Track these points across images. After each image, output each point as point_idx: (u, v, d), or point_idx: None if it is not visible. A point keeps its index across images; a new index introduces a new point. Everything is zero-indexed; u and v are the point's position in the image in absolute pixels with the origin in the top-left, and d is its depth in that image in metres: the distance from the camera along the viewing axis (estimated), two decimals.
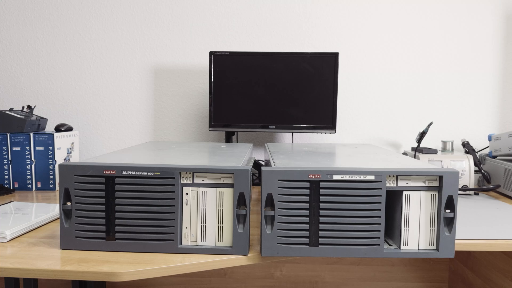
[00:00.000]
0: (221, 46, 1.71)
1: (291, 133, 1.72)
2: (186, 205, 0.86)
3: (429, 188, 0.85)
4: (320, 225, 0.84)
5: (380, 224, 0.84)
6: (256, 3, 1.69)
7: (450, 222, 0.84)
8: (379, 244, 0.84)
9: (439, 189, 0.85)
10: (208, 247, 0.85)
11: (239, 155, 1.06)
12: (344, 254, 0.84)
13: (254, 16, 1.69)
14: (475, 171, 1.47)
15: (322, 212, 0.83)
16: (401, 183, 0.85)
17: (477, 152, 1.56)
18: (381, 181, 0.83)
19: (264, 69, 1.54)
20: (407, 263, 1.71)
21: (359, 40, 1.70)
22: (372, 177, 0.83)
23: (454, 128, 1.72)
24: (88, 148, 1.76)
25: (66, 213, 0.86)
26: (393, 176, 0.85)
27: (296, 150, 1.19)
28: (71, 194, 0.85)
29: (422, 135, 1.50)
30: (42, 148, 1.42)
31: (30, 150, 1.42)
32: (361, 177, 0.83)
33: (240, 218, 0.85)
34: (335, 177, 0.83)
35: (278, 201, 0.83)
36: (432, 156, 1.42)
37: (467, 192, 1.41)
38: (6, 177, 1.42)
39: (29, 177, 1.42)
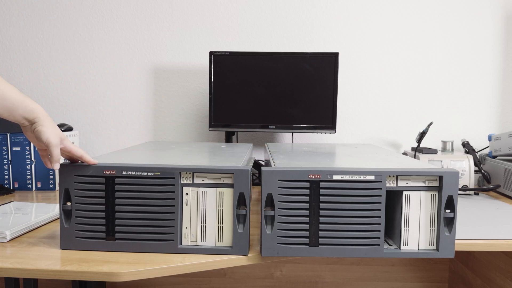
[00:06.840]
0: (221, 46, 1.71)
1: (291, 133, 1.72)
2: (186, 205, 0.86)
3: (429, 188, 0.85)
4: (320, 225, 0.84)
5: (380, 224, 0.84)
6: (256, 3, 1.69)
7: (450, 222, 0.84)
8: (379, 244, 0.84)
9: (439, 189, 0.85)
10: (208, 247, 0.85)
11: (239, 155, 1.06)
12: (344, 254, 0.84)
13: (254, 16, 1.69)
14: (475, 171, 1.47)
15: (322, 212, 0.83)
16: (401, 183, 0.85)
17: (477, 152, 1.56)
18: (381, 181, 0.83)
19: (264, 69, 1.54)
20: (407, 263, 1.71)
21: (359, 40, 1.70)
22: (372, 177, 0.83)
23: (454, 128, 1.71)
24: (88, 148, 1.76)
25: (66, 213, 0.86)
26: (393, 176, 0.84)
27: (296, 150, 1.19)
28: (71, 194, 0.85)
29: (422, 135, 1.50)
30: None
31: (30, 150, 1.42)
32: (361, 177, 0.83)
33: (240, 218, 0.85)
34: (335, 177, 0.83)
35: (278, 201, 0.83)
36: (432, 156, 1.42)
37: (467, 192, 1.41)
38: (6, 177, 1.42)
39: (29, 177, 1.42)
